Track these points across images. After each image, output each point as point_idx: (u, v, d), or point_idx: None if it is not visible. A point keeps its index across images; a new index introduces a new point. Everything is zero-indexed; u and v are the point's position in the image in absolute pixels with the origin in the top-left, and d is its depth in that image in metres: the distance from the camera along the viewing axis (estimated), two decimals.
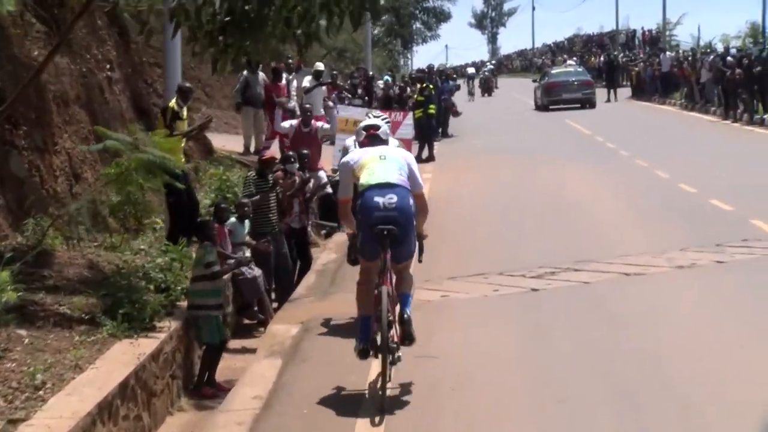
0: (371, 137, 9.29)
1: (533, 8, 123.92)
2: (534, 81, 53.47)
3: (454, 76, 57.05)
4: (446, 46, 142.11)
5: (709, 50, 44.97)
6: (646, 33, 79.94)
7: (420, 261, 9.34)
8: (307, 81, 23.77)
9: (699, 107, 39.42)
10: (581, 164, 24.66)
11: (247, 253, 14.48)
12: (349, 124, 23.53)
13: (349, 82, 33.52)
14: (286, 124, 18.58)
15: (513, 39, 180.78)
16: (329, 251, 16.52)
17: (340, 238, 17.51)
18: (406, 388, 8.77)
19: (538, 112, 45.96)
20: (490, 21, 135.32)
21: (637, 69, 51.47)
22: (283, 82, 23.48)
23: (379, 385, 8.48)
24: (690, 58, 40.91)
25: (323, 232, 21.08)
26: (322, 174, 18.31)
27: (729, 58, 35.42)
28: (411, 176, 8.85)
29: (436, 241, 14.24)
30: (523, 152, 28.26)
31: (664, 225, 16.22)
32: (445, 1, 38.76)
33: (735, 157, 24.59)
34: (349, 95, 30.60)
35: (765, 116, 31.78)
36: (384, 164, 8.79)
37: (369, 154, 8.96)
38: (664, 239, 15.01)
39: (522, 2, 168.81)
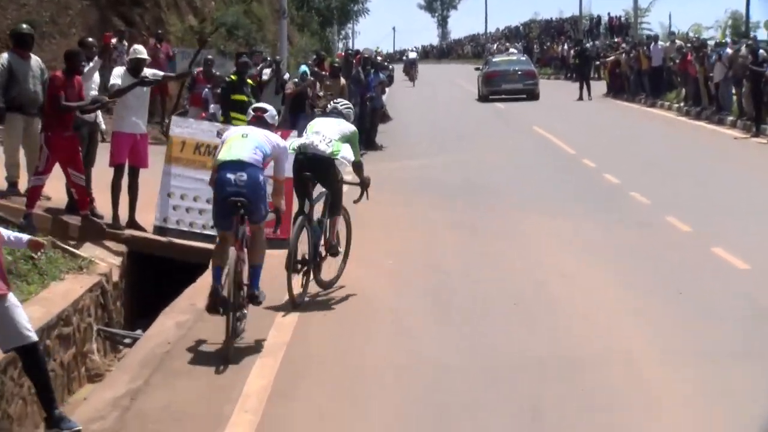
0: (257, 119, 10.04)
1: None
2: (477, 69, 47.89)
3: (387, 63, 47.08)
4: (393, 28, 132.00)
5: (724, 41, 35.34)
6: (614, 19, 70.56)
7: (275, 232, 10.89)
8: (117, 76, 13.60)
9: (709, 115, 29.82)
10: (579, 225, 14.98)
11: None
12: (188, 149, 13.78)
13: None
14: None
15: (465, 23, 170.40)
16: None
17: None
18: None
19: (496, 114, 36.28)
20: (440, 3, 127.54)
21: (614, 59, 41.86)
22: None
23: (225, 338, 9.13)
24: (697, 50, 31.18)
25: (121, 346, 12.13)
26: None
27: (762, 52, 25.82)
28: (275, 158, 9.77)
29: None
30: (479, 190, 18.57)
31: None
32: None
33: None
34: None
35: None
36: (243, 142, 9.57)
37: (234, 132, 9.97)
38: None
39: None
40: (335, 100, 12.09)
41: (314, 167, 10.96)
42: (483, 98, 42.61)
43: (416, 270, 12.49)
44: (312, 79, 23.70)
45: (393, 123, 28.59)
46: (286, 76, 24.04)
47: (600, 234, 14.34)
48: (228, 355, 9.03)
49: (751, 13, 66.29)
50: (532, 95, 41.88)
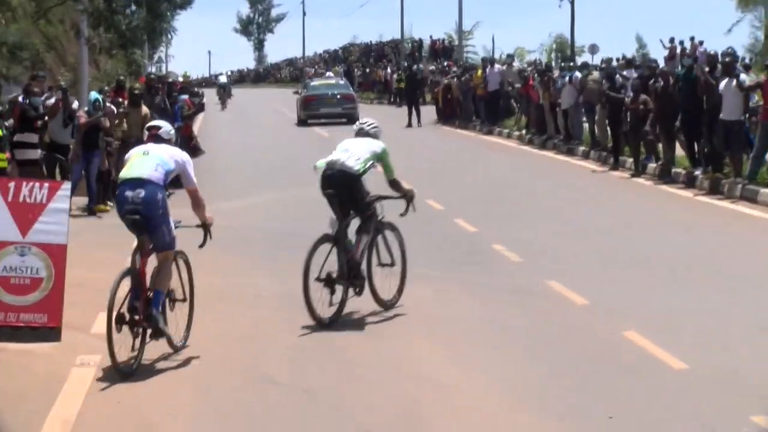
0: (153, 137, 9.78)
1: (304, 14, 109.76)
2: (295, 93, 48.57)
3: (197, 90, 43.22)
4: (209, 52, 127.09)
5: (572, 64, 32.77)
6: (437, 42, 68.27)
7: (201, 246, 9.86)
8: None
9: (557, 144, 27.11)
10: (445, 298, 11.69)
11: None
12: None
13: (27, 101, 18.81)
14: None
15: (282, 47, 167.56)
16: None
17: None
18: None
19: (319, 141, 32.95)
20: (256, 27, 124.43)
21: (446, 84, 39.03)
22: None
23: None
24: (542, 74, 28.44)
25: None
26: None
27: (619, 78, 23.12)
28: (181, 172, 9.53)
29: None
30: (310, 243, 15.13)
31: None
32: None
33: None
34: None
35: (697, 172, 19.54)
36: (143, 159, 9.47)
37: (136, 150, 9.79)
38: None
39: (291, 8, 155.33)
40: (360, 121, 11.60)
41: (338, 184, 10.76)
42: (302, 122, 41.95)
43: (229, 379, 8.90)
44: (111, 107, 19.99)
45: (205, 156, 24.96)
46: (75, 104, 20.14)
47: (475, 311, 11.02)
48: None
49: (576, 37, 64.93)
50: (351, 119, 40.14)
